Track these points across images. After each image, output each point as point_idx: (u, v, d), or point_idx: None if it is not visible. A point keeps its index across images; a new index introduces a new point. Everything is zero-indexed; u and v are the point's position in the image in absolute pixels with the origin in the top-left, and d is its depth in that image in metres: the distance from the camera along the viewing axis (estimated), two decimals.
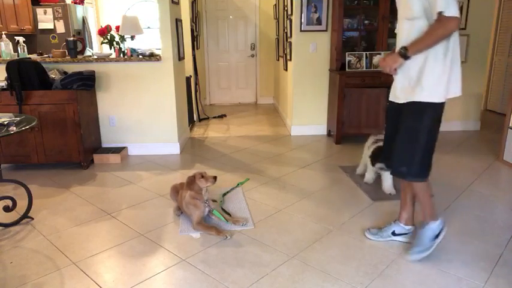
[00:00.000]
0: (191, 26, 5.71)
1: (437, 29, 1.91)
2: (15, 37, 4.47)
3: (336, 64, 4.62)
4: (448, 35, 1.92)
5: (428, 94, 2.03)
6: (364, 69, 4.55)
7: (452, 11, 1.85)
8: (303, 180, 3.57)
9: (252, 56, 7.56)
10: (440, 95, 2.04)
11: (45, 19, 5.94)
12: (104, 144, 4.39)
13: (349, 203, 3.06)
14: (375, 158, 3.20)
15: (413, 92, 2.07)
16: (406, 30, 2.07)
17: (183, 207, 2.79)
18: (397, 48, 2.10)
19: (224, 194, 3.22)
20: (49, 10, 5.91)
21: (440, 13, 1.88)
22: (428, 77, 2.02)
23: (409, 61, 2.05)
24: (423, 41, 1.97)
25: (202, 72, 7.28)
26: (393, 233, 2.46)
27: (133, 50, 4.25)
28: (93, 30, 6.70)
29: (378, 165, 3.13)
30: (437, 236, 2.28)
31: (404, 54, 2.02)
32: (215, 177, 2.69)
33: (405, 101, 2.13)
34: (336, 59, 4.61)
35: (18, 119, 2.74)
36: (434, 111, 2.07)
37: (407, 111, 2.13)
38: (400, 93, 2.17)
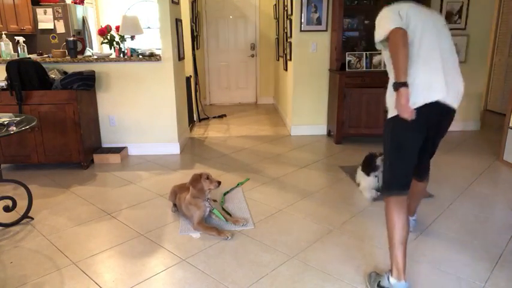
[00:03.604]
0: (191, 26, 5.71)
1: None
2: (15, 37, 4.47)
3: (336, 64, 4.62)
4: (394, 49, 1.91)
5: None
6: (364, 69, 4.55)
7: (386, 28, 1.95)
8: (303, 180, 3.57)
9: (252, 56, 7.56)
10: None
11: (45, 19, 5.94)
12: (104, 144, 4.39)
13: (349, 203, 3.06)
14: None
15: None
16: None
17: (182, 209, 2.79)
18: None
19: (224, 194, 3.22)
20: (49, 10, 5.91)
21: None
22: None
23: None
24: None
25: (202, 72, 7.28)
26: (378, 285, 1.99)
27: (133, 50, 4.25)
28: (93, 30, 6.70)
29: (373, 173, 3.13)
30: None
31: None
32: (219, 182, 2.70)
33: None
34: (336, 59, 4.61)
35: (18, 119, 2.74)
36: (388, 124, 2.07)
37: None
38: None
